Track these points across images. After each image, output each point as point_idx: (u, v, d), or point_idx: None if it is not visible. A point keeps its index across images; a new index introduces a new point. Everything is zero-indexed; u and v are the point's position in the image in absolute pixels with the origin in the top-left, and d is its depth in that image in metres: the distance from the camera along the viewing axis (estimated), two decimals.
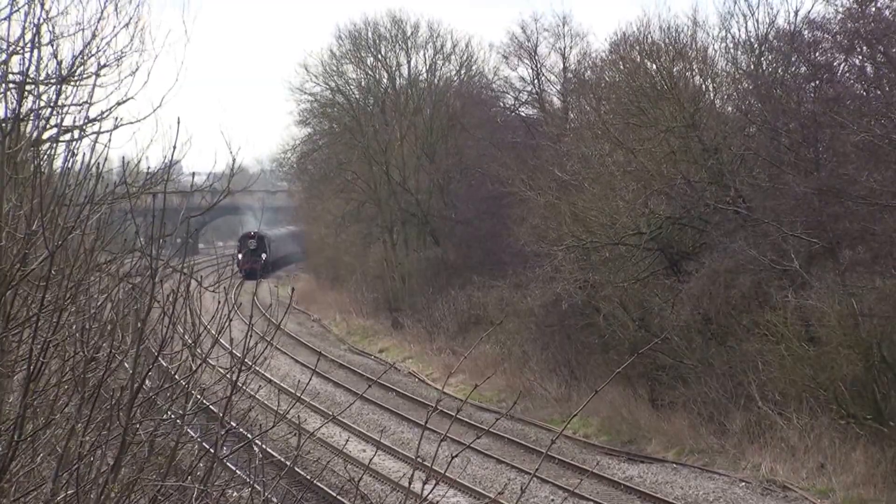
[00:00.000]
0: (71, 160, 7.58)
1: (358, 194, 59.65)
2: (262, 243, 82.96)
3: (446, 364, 40.98)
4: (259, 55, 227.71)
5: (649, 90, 34.54)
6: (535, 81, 51.50)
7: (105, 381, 6.51)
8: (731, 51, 35.95)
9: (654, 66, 35.22)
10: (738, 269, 29.69)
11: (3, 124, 7.55)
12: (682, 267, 32.80)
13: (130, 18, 9.62)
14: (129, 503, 6.71)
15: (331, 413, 26.49)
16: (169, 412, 7.12)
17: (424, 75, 61.07)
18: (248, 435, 7.94)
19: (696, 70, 36.18)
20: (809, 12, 32.66)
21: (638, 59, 36.62)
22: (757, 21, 34.99)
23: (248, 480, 8.27)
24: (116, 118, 9.19)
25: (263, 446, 7.97)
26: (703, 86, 36.00)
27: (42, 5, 8.70)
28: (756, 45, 35.02)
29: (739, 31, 35.97)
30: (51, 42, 9.02)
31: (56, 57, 9.15)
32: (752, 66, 34.86)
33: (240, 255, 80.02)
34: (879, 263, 26.81)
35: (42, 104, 8.90)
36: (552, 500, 25.85)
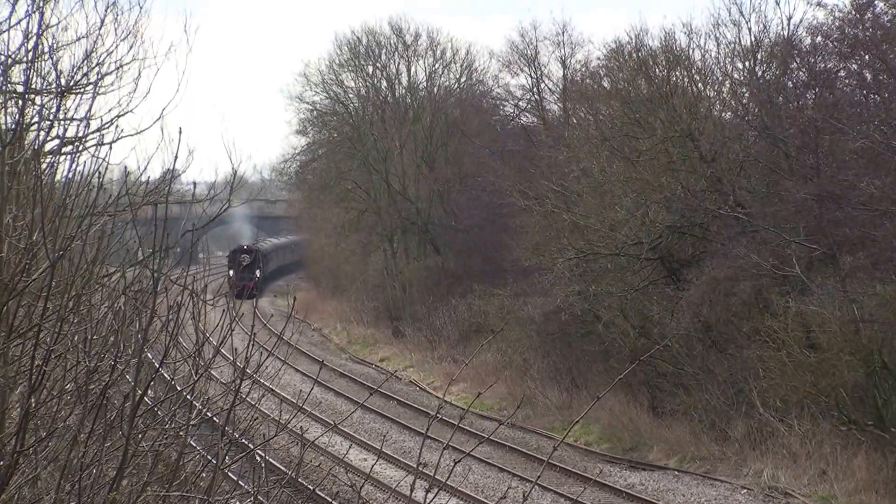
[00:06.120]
0: (72, 171, 7.58)
1: (358, 203, 59.57)
2: (256, 258, 75.31)
3: (447, 372, 40.91)
4: (258, 63, 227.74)
5: (645, 100, 34.50)
6: (535, 89, 51.53)
7: (107, 392, 6.50)
8: (729, 57, 35.89)
9: (649, 76, 35.18)
10: (738, 275, 29.66)
11: (4, 135, 7.55)
12: (682, 275, 32.78)
13: (130, 30, 9.60)
14: None
15: (332, 422, 26.44)
16: (171, 423, 7.11)
17: (424, 83, 61.09)
18: (251, 445, 7.93)
19: (695, 77, 36.12)
20: (802, 19, 32.65)
21: (634, 69, 36.57)
22: (750, 28, 34.96)
23: (250, 491, 8.26)
24: (118, 129, 9.18)
25: (266, 456, 7.96)
26: (700, 93, 35.92)
27: (41, 15, 8.70)
28: (751, 51, 34.96)
29: (733, 38, 35.92)
30: (51, 53, 9.00)
31: (56, 68, 9.14)
32: (748, 74, 34.82)
33: (231, 273, 72.02)
34: (880, 269, 26.79)
35: (43, 116, 8.89)
36: None
